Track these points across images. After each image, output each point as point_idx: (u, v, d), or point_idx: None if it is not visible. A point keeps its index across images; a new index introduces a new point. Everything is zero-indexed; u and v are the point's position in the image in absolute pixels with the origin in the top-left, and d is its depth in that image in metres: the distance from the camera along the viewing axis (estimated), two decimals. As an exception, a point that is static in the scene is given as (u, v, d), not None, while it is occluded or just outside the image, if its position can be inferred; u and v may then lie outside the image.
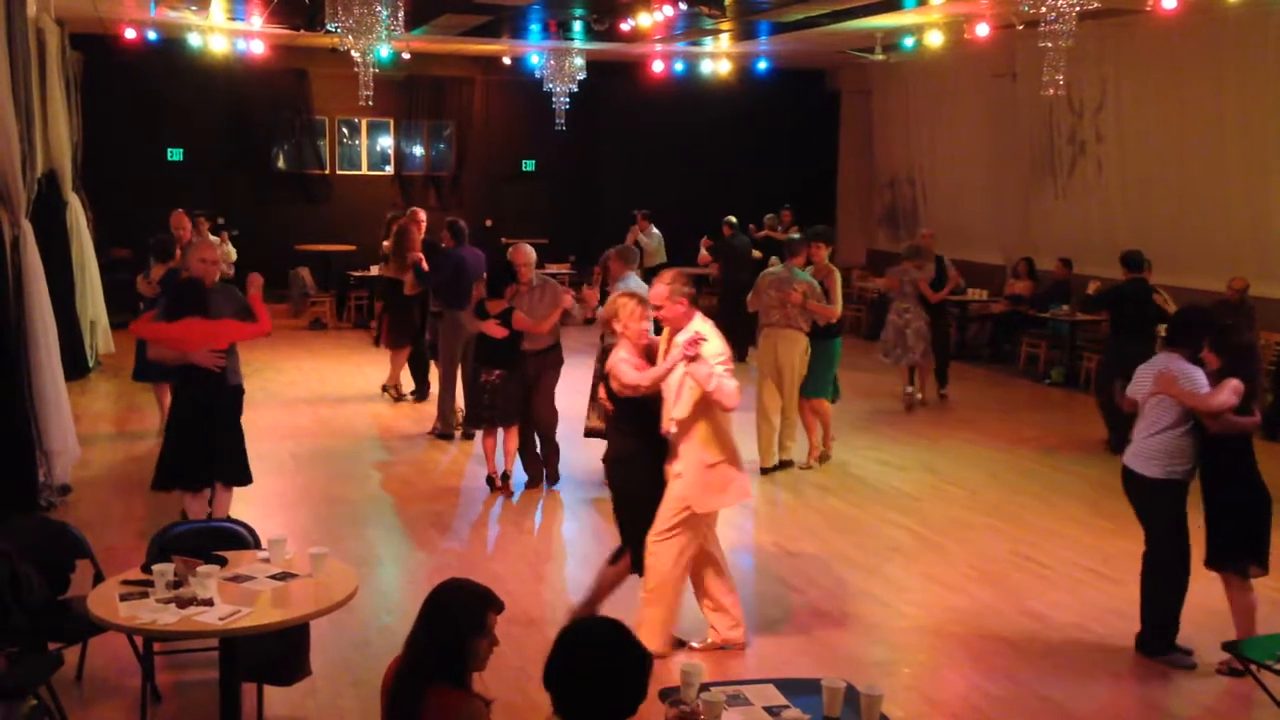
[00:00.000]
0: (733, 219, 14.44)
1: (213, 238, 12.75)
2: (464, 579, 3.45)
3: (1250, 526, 5.55)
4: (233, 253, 13.00)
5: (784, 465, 9.20)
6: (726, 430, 5.53)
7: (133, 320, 7.64)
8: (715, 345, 5.38)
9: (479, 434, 8.74)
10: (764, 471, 9.01)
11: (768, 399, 8.98)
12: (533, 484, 8.50)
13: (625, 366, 5.50)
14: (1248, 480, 5.58)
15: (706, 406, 5.35)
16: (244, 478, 6.88)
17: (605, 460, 5.86)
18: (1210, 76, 12.63)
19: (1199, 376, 5.56)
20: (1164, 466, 5.64)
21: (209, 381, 6.55)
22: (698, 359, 5.29)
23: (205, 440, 6.60)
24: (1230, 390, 5.43)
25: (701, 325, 5.44)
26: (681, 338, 5.38)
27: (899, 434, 10.52)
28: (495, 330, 7.97)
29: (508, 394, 8.09)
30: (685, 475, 5.45)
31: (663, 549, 5.49)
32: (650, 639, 5.20)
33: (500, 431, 8.34)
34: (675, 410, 5.42)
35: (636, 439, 5.59)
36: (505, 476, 8.42)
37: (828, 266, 9.14)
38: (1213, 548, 5.59)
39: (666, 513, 5.48)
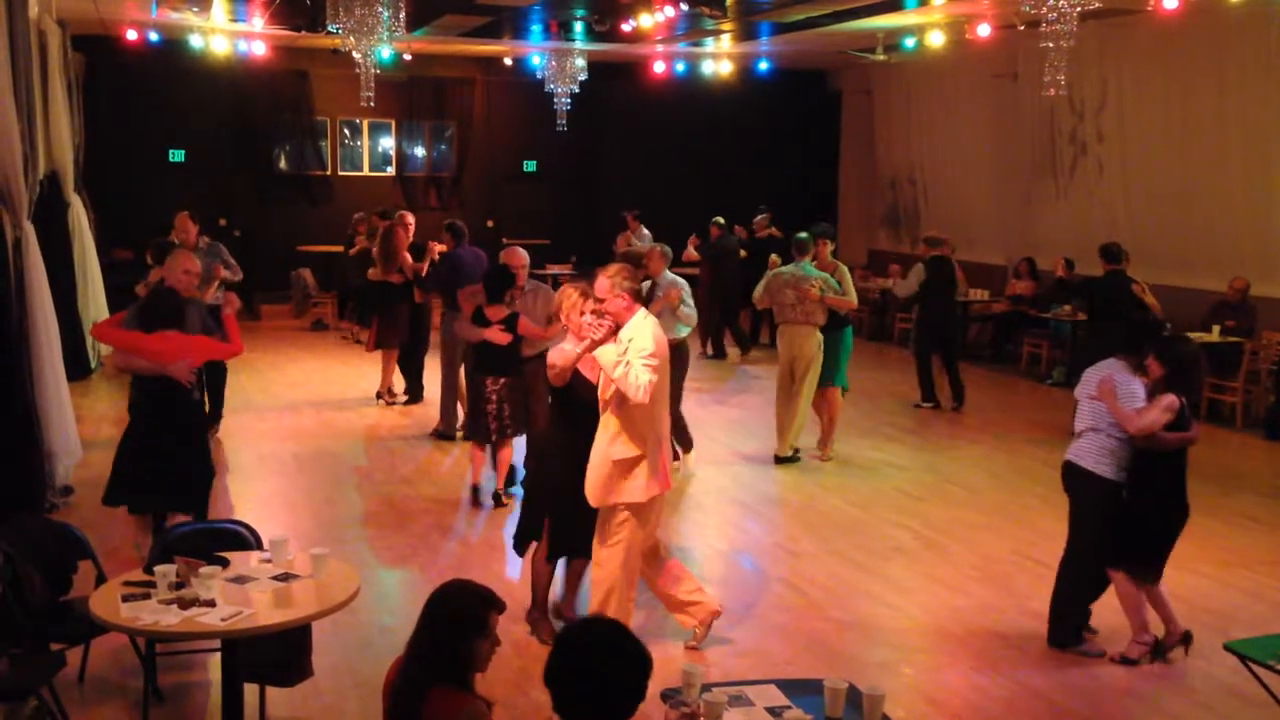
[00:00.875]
0: (720, 219, 14.48)
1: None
2: (466, 580, 3.45)
3: (1157, 541, 5.64)
4: None
5: (792, 458, 9.38)
6: (643, 427, 5.29)
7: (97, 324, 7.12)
8: (645, 343, 5.20)
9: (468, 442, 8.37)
10: (777, 460, 9.35)
11: (783, 390, 9.30)
12: None
13: (554, 351, 5.48)
14: (1171, 496, 5.61)
15: (622, 399, 5.20)
16: (200, 505, 6.47)
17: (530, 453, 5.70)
18: (1212, 76, 12.62)
19: (1137, 390, 5.58)
20: (1114, 469, 5.68)
21: (178, 396, 6.24)
22: (603, 343, 5.22)
23: (164, 459, 6.25)
24: (1160, 409, 5.45)
25: (641, 321, 5.32)
26: (625, 334, 5.30)
27: (901, 434, 10.52)
28: (499, 336, 7.68)
29: (515, 403, 7.89)
30: (591, 468, 5.35)
31: (609, 555, 5.39)
32: None
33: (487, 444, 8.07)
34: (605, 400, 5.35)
35: (562, 434, 5.54)
36: (478, 490, 8.18)
37: (833, 262, 9.51)
38: (1119, 550, 5.69)
39: (607, 518, 5.40)
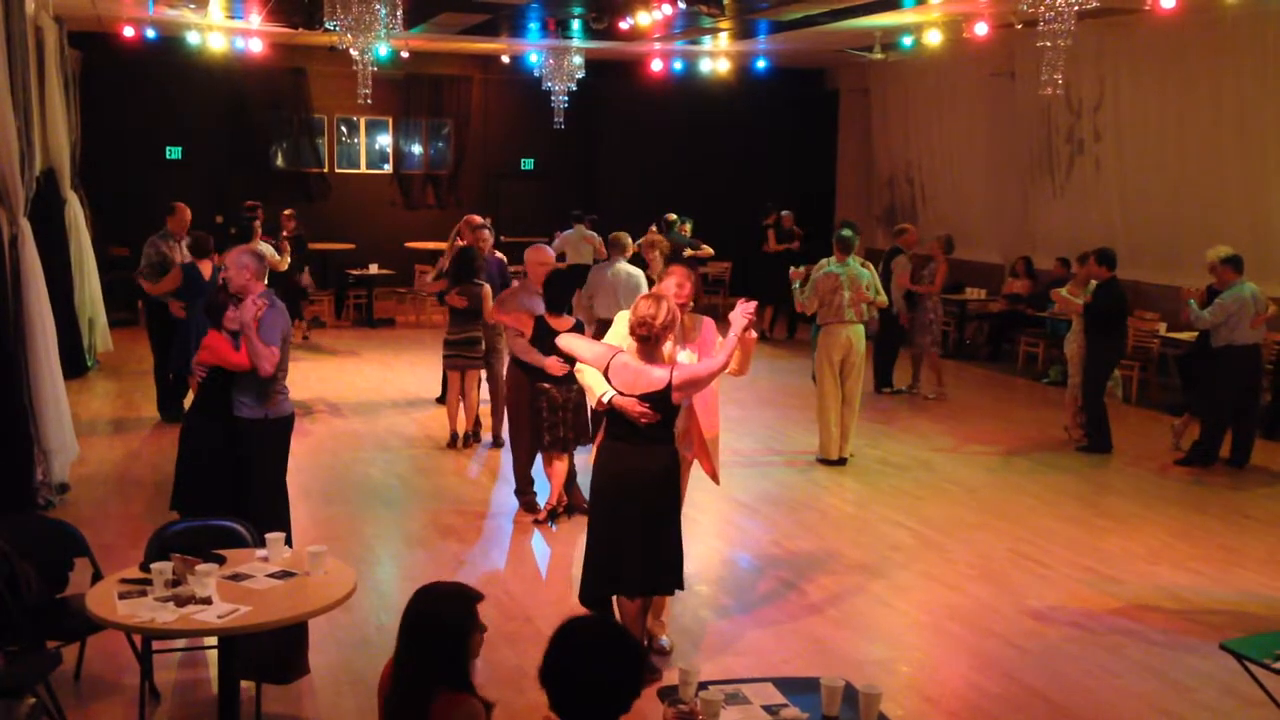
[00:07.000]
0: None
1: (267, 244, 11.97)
2: (438, 584, 3.39)
3: None
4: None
5: (843, 461, 9.46)
6: None
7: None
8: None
9: (538, 457, 7.74)
10: (837, 462, 9.37)
11: (835, 392, 9.34)
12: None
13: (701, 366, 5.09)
14: None
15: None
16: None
17: (646, 474, 5.03)
18: (1208, 75, 12.64)
19: None
20: None
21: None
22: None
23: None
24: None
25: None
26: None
27: (897, 432, 10.53)
28: (558, 369, 7.10)
29: (577, 410, 7.47)
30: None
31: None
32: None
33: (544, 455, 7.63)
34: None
35: (670, 443, 5.17)
36: (554, 513, 7.70)
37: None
38: None
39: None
